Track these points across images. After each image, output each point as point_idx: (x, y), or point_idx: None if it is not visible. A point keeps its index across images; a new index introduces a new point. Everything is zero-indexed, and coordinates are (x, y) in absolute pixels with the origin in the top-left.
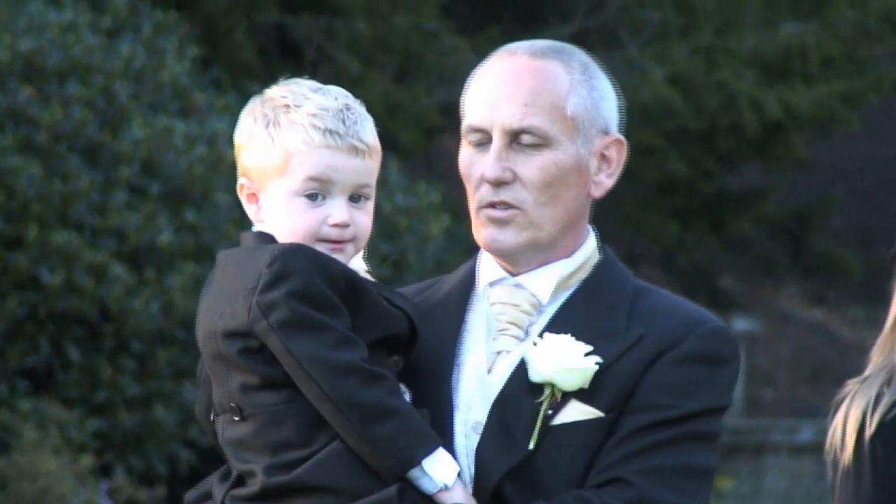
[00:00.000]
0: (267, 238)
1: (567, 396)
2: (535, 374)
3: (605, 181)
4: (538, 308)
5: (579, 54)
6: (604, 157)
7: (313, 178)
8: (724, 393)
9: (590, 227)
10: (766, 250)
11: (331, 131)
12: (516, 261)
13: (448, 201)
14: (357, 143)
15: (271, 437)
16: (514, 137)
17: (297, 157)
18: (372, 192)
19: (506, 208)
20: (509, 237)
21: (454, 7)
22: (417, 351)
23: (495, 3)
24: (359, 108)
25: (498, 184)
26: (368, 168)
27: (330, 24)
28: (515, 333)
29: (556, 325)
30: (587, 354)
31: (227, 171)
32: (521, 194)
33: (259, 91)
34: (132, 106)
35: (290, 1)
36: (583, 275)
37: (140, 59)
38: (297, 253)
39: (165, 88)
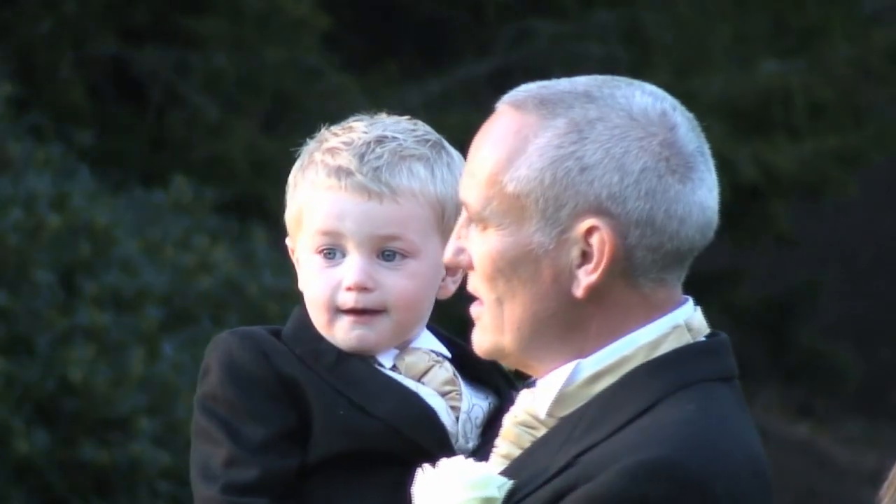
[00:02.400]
0: (302, 318)
1: None
2: None
3: (583, 278)
4: (539, 420)
5: (590, 107)
6: (588, 245)
7: (321, 231)
8: None
9: (652, 320)
10: (738, 348)
11: (339, 169)
12: (517, 367)
13: None
14: (370, 183)
15: None
16: (468, 214)
17: (307, 205)
18: (414, 247)
19: (476, 300)
20: (477, 339)
21: (340, 38)
22: None
23: (392, 34)
24: (412, 141)
25: (455, 268)
26: (394, 215)
27: (182, 58)
28: (505, 451)
29: (536, 445)
30: (510, 490)
31: (49, 241)
32: (478, 284)
33: (90, 141)
34: None
35: (130, 29)
36: (612, 378)
37: None
38: (222, 345)
39: None
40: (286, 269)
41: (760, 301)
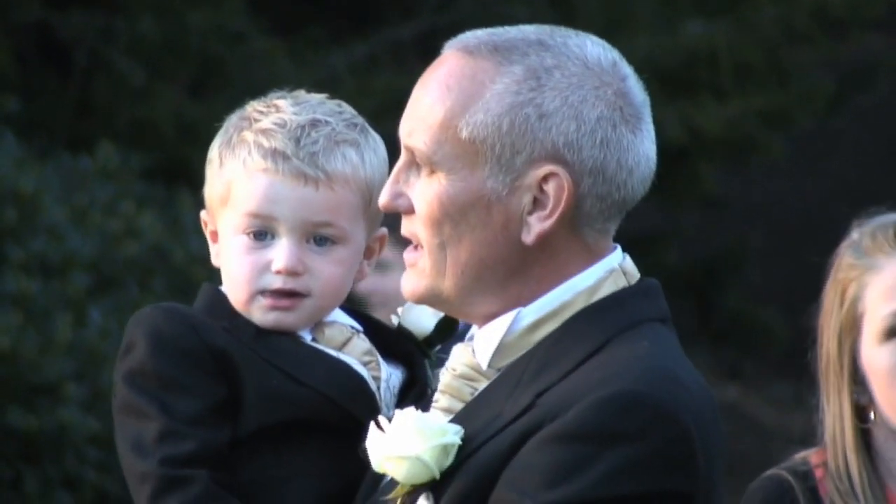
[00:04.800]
0: (214, 293)
1: (419, 490)
2: (374, 465)
3: (535, 225)
4: (480, 371)
5: (546, 55)
6: (541, 193)
7: (252, 213)
8: (615, 480)
9: (589, 266)
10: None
11: (275, 152)
12: (451, 313)
13: None
14: (307, 169)
15: None
16: (411, 157)
17: (236, 185)
18: (344, 233)
19: (410, 246)
20: (410, 284)
21: (265, 2)
22: None
23: None
24: (343, 126)
25: (392, 212)
26: (329, 201)
27: (107, 23)
28: (445, 404)
29: (483, 394)
30: (456, 435)
31: None
32: (418, 229)
33: (16, 107)
34: None
35: None
36: (554, 325)
37: None
38: (148, 319)
39: None
40: None
41: (688, 264)
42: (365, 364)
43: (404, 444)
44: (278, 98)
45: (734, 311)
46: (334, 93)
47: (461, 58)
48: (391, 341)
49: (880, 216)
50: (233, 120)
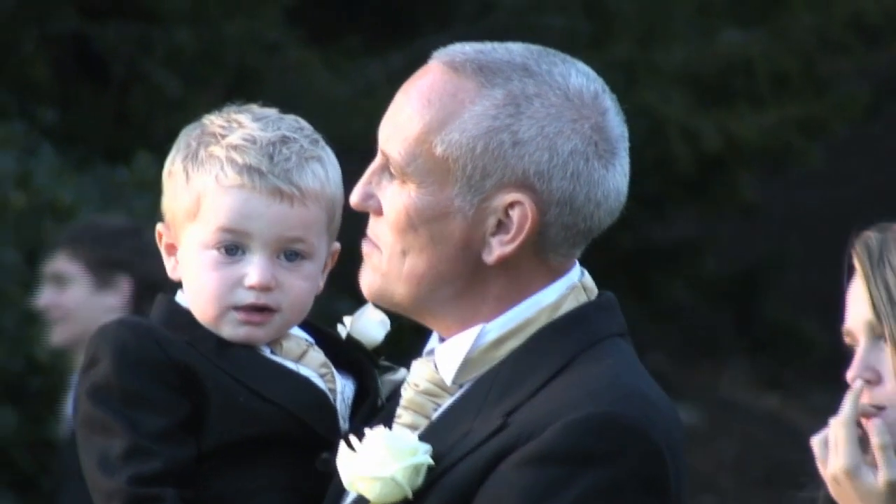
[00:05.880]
0: (171, 305)
1: None
2: (346, 484)
3: (496, 247)
4: (443, 387)
5: (528, 82)
6: (506, 217)
7: (225, 228)
8: (591, 501)
9: (551, 284)
10: (704, 320)
11: (250, 168)
12: (417, 318)
13: None
14: (283, 185)
15: None
16: (385, 161)
17: (208, 200)
18: (312, 249)
19: (368, 240)
20: (366, 279)
21: (301, 13)
22: None
23: (354, 7)
24: (307, 142)
25: (362, 211)
26: (302, 218)
27: (144, 34)
28: (409, 420)
29: (448, 412)
30: (428, 455)
31: (13, 219)
32: (383, 231)
33: (54, 119)
34: None
35: (92, 5)
36: (517, 341)
37: None
38: (113, 334)
39: None
40: None
41: (726, 273)
42: (321, 376)
43: (376, 463)
44: (236, 112)
45: (773, 319)
46: (370, 102)
47: (445, 72)
48: (339, 351)
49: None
50: (193, 134)
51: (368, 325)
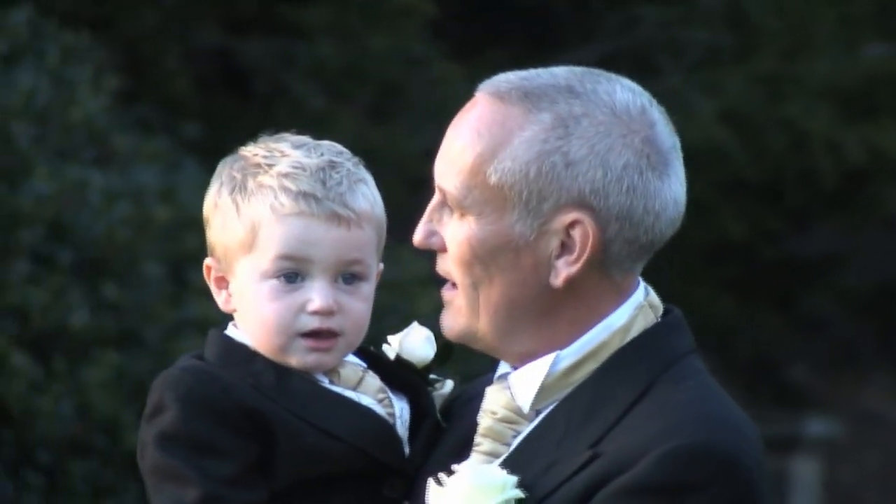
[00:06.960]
0: (224, 340)
1: None
2: None
3: (562, 269)
4: (520, 414)
5: (575, 103)
6: (568, 237)
7: (285, 256)
8: None
9: (620, 305)
10: (847, 333)
11: (305, 194)
12: (488, 351)
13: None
14: (339, 209)
15: None
16: (443, 197)
17: (265, 230)
18: (368, 270)
19: (448, 283)
20: (449, 322)
21: (446, 26)
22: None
23: (499, 21)
24: (351, 165)
25: (426, 249)
26: (359, 240)
27: (287, 49)
28: (488, 448)
29: (530, 440)
30: (518, 486)
31: (157, 234)
32: (451, 269)
33: (197, 133)
34: (34, 152)
35: (235, 20)
36: (592, 365)
37: (45, 93)
38: (177, 381)
39: (77, 130)
40: (395, 259)
41: (868, 285)
42: (379, 401)
43: (467, 499)
44: (273, 142)
45: None
46: None
47: (492, 103)
48: (390, 372)
49: None
50: (235, 166)
51: (417, 344)
